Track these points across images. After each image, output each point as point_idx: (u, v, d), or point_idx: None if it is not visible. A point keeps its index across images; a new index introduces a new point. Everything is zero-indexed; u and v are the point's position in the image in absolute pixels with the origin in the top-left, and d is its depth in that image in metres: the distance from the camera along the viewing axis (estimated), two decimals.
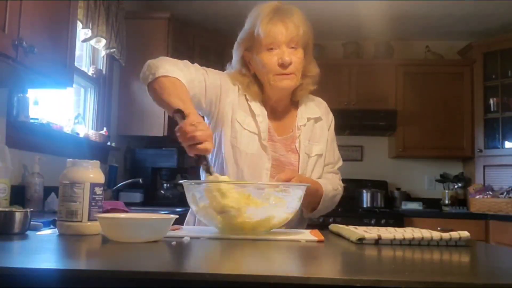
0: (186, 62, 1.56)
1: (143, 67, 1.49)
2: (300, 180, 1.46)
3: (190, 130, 1.25)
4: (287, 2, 1.58)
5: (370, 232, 1.19)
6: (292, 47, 1.52)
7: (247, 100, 1.61)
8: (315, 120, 1.68)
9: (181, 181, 1.32)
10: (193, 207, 1.29)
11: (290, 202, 1.27)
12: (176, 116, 1.31)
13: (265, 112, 1.61)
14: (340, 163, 1.76)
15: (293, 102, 1.68)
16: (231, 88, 1.61)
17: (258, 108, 1.60)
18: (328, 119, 1.73)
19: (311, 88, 1.67)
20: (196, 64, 1.60)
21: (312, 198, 1.55)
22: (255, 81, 1.61)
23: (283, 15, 1.51)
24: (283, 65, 1.52)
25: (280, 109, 1.66)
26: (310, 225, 1.66)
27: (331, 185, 1.63)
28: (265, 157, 1.55)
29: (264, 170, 1.55)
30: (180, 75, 1.45)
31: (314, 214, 1.63)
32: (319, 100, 1.76)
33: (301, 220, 1.63)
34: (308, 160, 1.61)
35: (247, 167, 1.54)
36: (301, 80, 1.61)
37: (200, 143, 1.25)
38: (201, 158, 1.30)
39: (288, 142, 1.62)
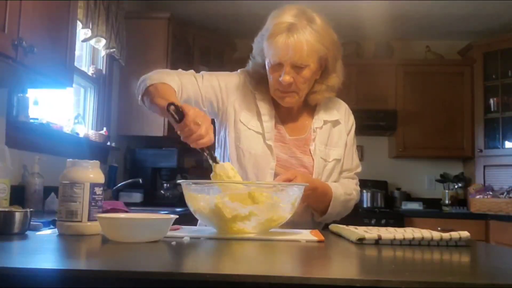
0: (179, 70, 1.60)
1: (138, 83, 1.54)
2: (306, 180, 1.43)
3: (194, 130, 1.27)
4: (304, 7, 1.51)
5: (370, 232, 1.19)
6: (297, 66, 1.47)
7: (255, 99, 1.60)
8: (332, 123, 1.64)
9: (179, 181, 1.32)
10: (190, 207, 1.29)
11: (286, 202, 1.26)
12: (170, 110, 1.29)
13: (273, 112, 1.59)
14: (359, 169, 1.70)
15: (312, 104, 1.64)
16: (235, 87, 1.60)
17: (266, 108, 1.59)
18: (348, 123, 1.68)
19: (327, 96, 1.62)
20: (191, 71, 1.62)
21: (320, 201, 1.53)
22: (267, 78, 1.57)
23: (293, 32, 1.43)
24: (281, 85, 1.49)
25: (296, 109, 1.63)
26: None
27: (343, 189, 1.58)
28: (270, 157, 1.54)
29: (269, 170, 1.53)
30: (167, 79, 1.49)
31: (325, 219, 1.59)
32: (341, 103, 1.70)
33: (316, 224, 1.60)
34: (326, 165, 1.58)
35: (251, 167, 1.53)
36: (316, 87, 1.58)
37: (203, 137, 1.28)
38: (205, 149, 1.33)
39: (300, 144, 1.59)
